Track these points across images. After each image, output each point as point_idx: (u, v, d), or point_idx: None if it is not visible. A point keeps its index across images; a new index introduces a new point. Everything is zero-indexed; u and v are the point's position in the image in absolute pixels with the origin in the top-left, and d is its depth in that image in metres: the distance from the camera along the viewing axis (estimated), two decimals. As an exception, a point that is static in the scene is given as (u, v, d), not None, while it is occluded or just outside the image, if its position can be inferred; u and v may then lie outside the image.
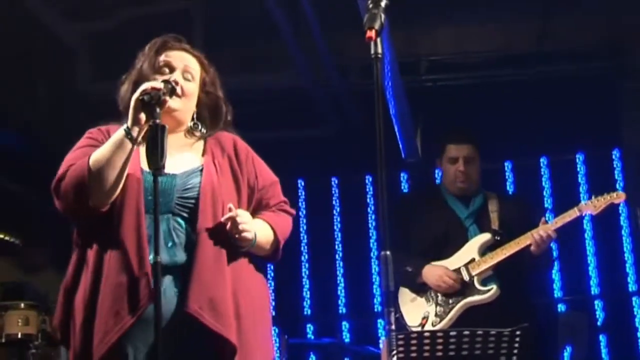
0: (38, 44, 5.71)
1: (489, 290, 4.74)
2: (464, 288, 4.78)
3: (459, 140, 5.06)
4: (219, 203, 3.01)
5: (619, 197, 4.67)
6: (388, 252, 2.57)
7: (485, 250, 4.85)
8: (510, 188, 7.13)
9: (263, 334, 3.08)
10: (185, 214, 2.99)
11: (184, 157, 3.11)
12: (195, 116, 3.20)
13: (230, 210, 2.97)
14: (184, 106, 3.11)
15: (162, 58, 3.15)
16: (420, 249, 4.93)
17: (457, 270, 4.82)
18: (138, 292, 2.85)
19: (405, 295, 4.89)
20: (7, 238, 6.49)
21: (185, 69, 3.14)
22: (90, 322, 2.88)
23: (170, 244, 2.95)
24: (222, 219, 2.97)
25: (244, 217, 3.00)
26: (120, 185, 2.93)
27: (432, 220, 5.00)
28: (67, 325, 2.98)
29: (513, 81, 6.71)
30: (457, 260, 4.86)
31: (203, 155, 3.14)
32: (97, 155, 2.91)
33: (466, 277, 4.79)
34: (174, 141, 3.09)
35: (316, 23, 5.56)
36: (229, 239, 2.99)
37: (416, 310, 4.85)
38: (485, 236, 4.87)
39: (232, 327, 2.90)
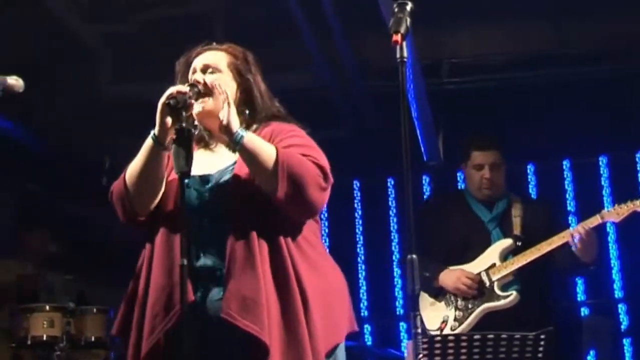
0: (59, 46, 5.72)
1: (508, 296, 4.71)
2: (484, 293, 4.75)
3: (485, 147, 5.00)
4: (247, 198, 2.93)
5: None
6: (414, 256, 2.54)
7: (507, 255, 4.81)
8: (532, 191, 7.10)
9: (321, 327, 2.91)
10: (220, 213, 2.96)
11: (227, 154, 3.07)
12: (240, 103, 3.10)
13: None
14: (217, 102, 3.01)
15: (191, 63, 3.15)
16: (443, 253, 4.90)
17: (477, 275, 4.78)
18: (174, 295, 2.86)
19: (425, 300, 4.87)
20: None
21: (204, 66, 3.11)
22: (142, 322, 2.92)
23: (209, 246, 2.95)
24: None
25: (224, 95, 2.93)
26: (159, 192, 2.98)
27: (456, 224, 4.96)
28: (128, 333, 2.99)
29: (535, 83, 6.65)
30: (478, 265, 4.83)
31: None
32: (131, 165, 2.98)
33: (487, 282, 4.76)
34: (223, 140, 3.06)
35: (337, 24, 5.54)
36: (268, 232, 2.91)
37: (435, 315, 4.82)
38: (507, 241, 4.83)
39: (265, 325, 2.81)
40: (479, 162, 4.97)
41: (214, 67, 3.12)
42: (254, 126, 3.10)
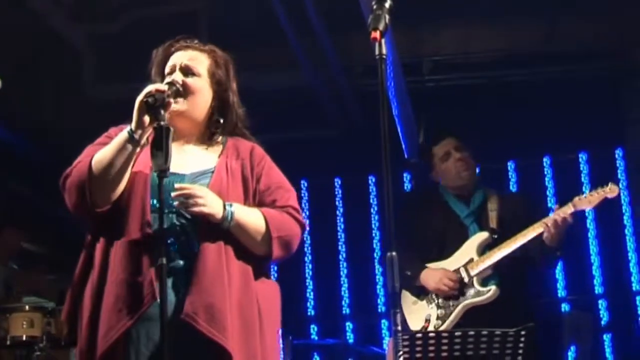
0: (44, 45, 5.72)
1: (488, 291, 4.69)
2: (464, 289, 4.74)
3: (442, 136, 5.05)
4: None
5: (612, 191, 4.60)
6: (394, 253, 2.57)
7: (484, 249, 4.79)
8: (513, 188, 7.13)
9: (270, 342, 3.03)
10: (189, 215, 2.95)
11: (197, 158, 3.11)
12: (213, 111, 3.16)
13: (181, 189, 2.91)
14: (191, 105, 3.08)
15: (168, 62, 3.15)
16: (421, 249, 4.88)
17: (457, 271, 4.77)
18: (141, 291, 2.85)
19: (407, 299, 4.86)
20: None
21: (186, 66, 3.12)
22: (96, 318, 2.88)
23: (176, 246, 2.94)
24: (172, 194, 2.88)
25: (201, 192, 2.91)
26: (121, 186, 2.94)
27: (432, 220, 4.96)
28: (75, 320, 2.98)
29: (516, 81, 6.72)
30: (456, 260, 4.82)
31: (219, 157, 3.13)
32: (99, 155, 2.92)
33: (466, 278, 4.74)
34: (192, 142, 3.13)
35: (320, 23, 5.57)
36: (233, 242, 2.97)
37: (418, 314, 4.82)
38: (483, 235, 4.82)
39: (229, 333, 2.86)
40: (444, 151, 5.00)
41: (194, 69, 3.13)
42: (221, 138, 3.18)
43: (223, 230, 2.95)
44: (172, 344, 2.74)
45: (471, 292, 4.73)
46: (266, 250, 3.04)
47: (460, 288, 4.73)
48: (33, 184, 7.22)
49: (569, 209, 4.59)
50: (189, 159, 3.10)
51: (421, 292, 4.84)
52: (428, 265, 4.84)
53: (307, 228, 3.22)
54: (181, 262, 2.93)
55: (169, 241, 2.92)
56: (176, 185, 2.89)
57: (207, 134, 3.18)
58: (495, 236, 4.79)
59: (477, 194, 4.99)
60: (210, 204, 2.91)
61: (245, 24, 5.66)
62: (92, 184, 2.89)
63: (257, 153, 3.18)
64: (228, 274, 2.92)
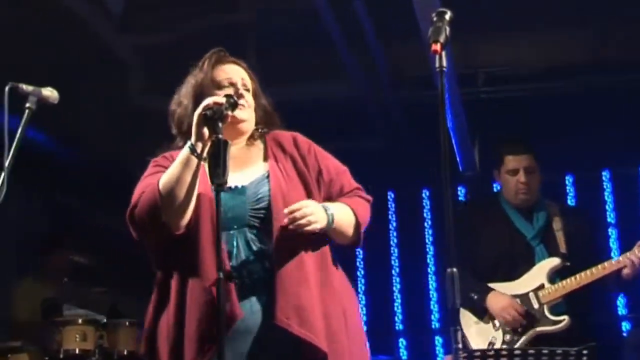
0: (91, 56, 5.77)
1: (561, 321, 4.66)
2: (533, 316, 4.70)
3: (518, 151, 4.98)
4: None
5: None
6: (454, 269, 2.54)
7: (554, 275, 4.76)
8: (571, 202, 7.04)
9: (355, 337, 3.06)
10: (260, 225, 3.00)
11: (248, 166, 3.14)
12: (258, 121, 3.25)
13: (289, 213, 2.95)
14: (249, 116, 3.17)
15: (220, 72, 3.19)
16: (483, 266, 4.85)
17: (525, 296, 4.73)
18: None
19: (468, 318, 4.83)
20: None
21: (243, 81, 3.19)
22: (179, 347, 2.92)
23: (251, 258, 2.97)
24: (285, 221, 2.94)
25: (307, 209, 2.96)
26: (192, 204, 2.97)
27: (495, 236, 4.92)
28: (155, 354, 3.03)
29: (573, 92, 6.60)
30: (524, 284, 4.78)
31: (266, 160, 3.16)
32: (166, 176, 2.95)
33: (535, 305, 4.71)
34: (238, 152, 3.14)
35: (371, 33, 5.54)
36: (308, 243, 3.00)
37: (481, 335, 4.78)
38: (554, 261, 4.77)
39: (321, 333, 2.91)
40: (512, 167, 4.94)
41: (248, 85, 3.22)
42: (256, 136, 3.23)
43: (298, 234, 2.96)
44: (267, 354, 2.90)
45: (542, 320, 4.70)
46: (353, 240, 3.16)
47: (528, 316, 4.68)
48: (80, 195, 7.28)
49: None
50: (242, 168, 3.12)
51: (484, 314, 4.79)
52: (493, 285, 4.79)
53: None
54: (259, 271, 2.96)
55: (245, 255, 2.96)
56: (286, 210, 2.94)
57: (248, 142, 3.24)
58: (568, 263, 4.75)
59: (540, 212, 4.95)
60: (320, 218, 2.98)
61: (294, 34, 5.64)
62: (164, 206, 2.92)
63: (301, 142, 3.23)
64: (307, 273, 2.96)
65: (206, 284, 2.89)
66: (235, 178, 3.03)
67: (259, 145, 3.23)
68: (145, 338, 3.06)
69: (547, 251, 4.83)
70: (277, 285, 2.91)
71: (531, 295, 4.73)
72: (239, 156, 3.14)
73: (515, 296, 4.75)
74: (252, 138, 3.22)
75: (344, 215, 3.08)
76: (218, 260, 2.75)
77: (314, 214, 2.95)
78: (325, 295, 2.98)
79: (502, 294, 4.75)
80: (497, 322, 4.76)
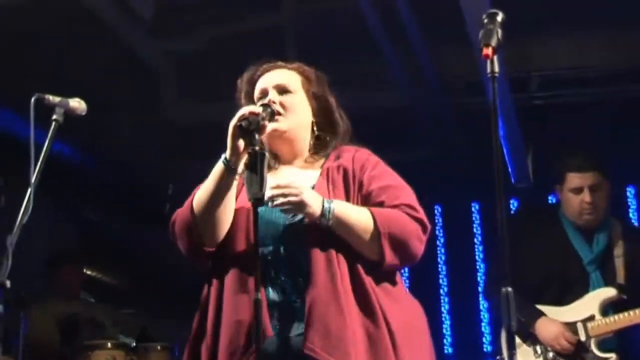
0: (121, 64, 5.81)
1: (607, 359, 4.59)
2: (579, 349, 4.61)
3: (582, 167, 4.79)
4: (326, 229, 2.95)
5: None
6: (509, 289, 2.51)
7: (607, 307, 4.67)
8: (633, 215, 6.98)
9: (407, 354, 2.94)
10: (297, 241, 2.97)
11: (299, 178, 3.08)
12: (315, 127, 3.19)
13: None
14: (291, 123, 3.11)
15: (257, 87, 3.18)
16: (529, 284, 4.73)
17: (573, 325, 4.66)
18: (251, 333, 2.83)
19: None
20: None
21: (277, 85, 3.14)
22: None
23: (284, 277, 2.96)
24: (267, 195, 2.83)
25: (296, 189, 2.87)
26: (228, 219, 2.98)
27: (548, 252, 4.82)
28: None
29: (635, 97, 6.55)
30: (574, 312, 4.70)
31: (320, 173, 3.11)
32: (200, 192, 2.97)
33: (582, 336, 4.62)
34: (293, 164, 3.14)
35: (417, 36, 5.52)
36: (347, 257, 2.93)
37: (522, 358, 4.72)
38: (610, 292, 4.68)
39: (353, 357, 2.82)
40: (576, 186, 4.78)
41: (288, 87, 3.15)
42: (322, 152, 3.17)
43: (334, 247, 2.92)
44: None
45: (588, 355, 4.61)
46: (378, 252, 2.95)
47: (575, 348, 4.61)
48: (109, 211, 7.33)
49: None
50: (291, 180, 3.06)
51: (528, 337, 4.73)
52: (541, 307, 4.74)
53: (430, 228, 3.07)
54: (292, 290, 2.95)
55: (279, 274, 2.95)
56: (272, 185, 2.87)
57: (309, 153, 3.18)
58: (625, 296, 4.66)
59: (602, 233, 4.83)
60: (307, 197, 2.87)
61: (335, 39, 5.64)
62: (197, 223, 2.95)
63: (359, 155, 3.14)
64: (344, 296, 2.89)
65: (237, 301, 2.90)
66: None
67: (321, 158, 3.17)
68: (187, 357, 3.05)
69: (604, 279, 4.73)
70: (307, 309, 2.87)
71: (579, 325, 4.65)
72: (293, 170, 3.12)
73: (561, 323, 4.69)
74: (316, 151, 3.17)
75: (354, 215, 2.94)
76: (256, 280, 2.73)
77: (300, 195, 2.86)
78: (364, 315, 2.91)
79: (553, 321, 4.68)
80: (538, 349, 4.69)
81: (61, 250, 6.82)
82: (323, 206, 2.90)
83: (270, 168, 3.09)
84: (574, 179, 4.80)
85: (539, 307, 4.74)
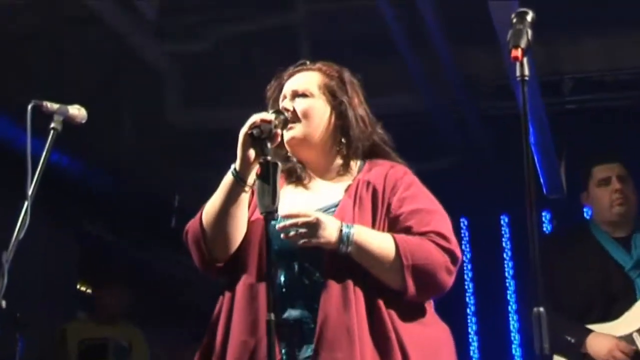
0: (123, 67, 5.84)
1: None
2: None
3: (608, 158, 4.94)
4: None
5: None
6: (541, 309, 2.50)
7: None
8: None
9: None
10: (312, 260, 2.95)
11: (323, 192, 3.09)
12: (339, 131, 3.14)
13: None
14: (308, 128, 3.08)
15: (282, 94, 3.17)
16: (573, 307, 4.75)
17: (629, 337, 4.63)
18: (258, 353, 2.84)
19: None
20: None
21: (294, 91, 3.13)
22: None
23: (296, 297, 2.94)
24: (277, 226, 2.84)
25: (308, 219, 2.83)
26: (240, 233, 2.98)
27: (588, 270, 4.81)
28: None
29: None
30: (625, 324, 4.68)
31: (348, 187, 3.07)
32: (208, 205, 2.97)
33: None
34: (321, 175, 3.12)
35: (440, 37, 5.52)
36: (366, 290, 2.90)
37: None
38: None
39: None
40: (604, 176, 4.87)
41: (304, 91, 3.12)
42: (359, 163, 3.14)
43: (351, 272, 2.88)
44: None
45: None
46: (400, 284, 2.90)
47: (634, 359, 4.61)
48: (112, 225, 7.35)
49: None
50: (313, 196, 3.08)
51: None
52: (590, 327, 4.71)
53: (461, 258, 3.04)
54: (304, 312, 2.93)
55: (292, 292, 2.93)
56: (282, 215, 2.85)
57: (339, 162, 3.14)
58: None
59: (638, 236, 4.83)
60: (322, 232, 2.83)
61: (352, 40, 5.66)
62: (206, 238, 2.96)
63: (393, 173, 3.08)
64: (357, 324, 2.85)
65: (245, 320, 2.89)
66: (297, 205, 2.98)
67: (352, 171, 3.13)
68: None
69: None
70: (317, 334, 2.85)
71: (635, 336, 4.63)
72: (320, 184, 3.11)
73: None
74: (348, 162, 3.13)
75: (376, 243, 2.89)
76: (268, 299, 2.69)
77: (315, 226, 2.83)
78: (380, 348, 2.86)
79: (605, 335, 4.66)
80: None
81: (102, 268, 6.90)
82: (341, 231, 2.86)
83: (299, 180, 3.10)
84: (600, 171, 4.90)
85: (588, 326, 4.72)
